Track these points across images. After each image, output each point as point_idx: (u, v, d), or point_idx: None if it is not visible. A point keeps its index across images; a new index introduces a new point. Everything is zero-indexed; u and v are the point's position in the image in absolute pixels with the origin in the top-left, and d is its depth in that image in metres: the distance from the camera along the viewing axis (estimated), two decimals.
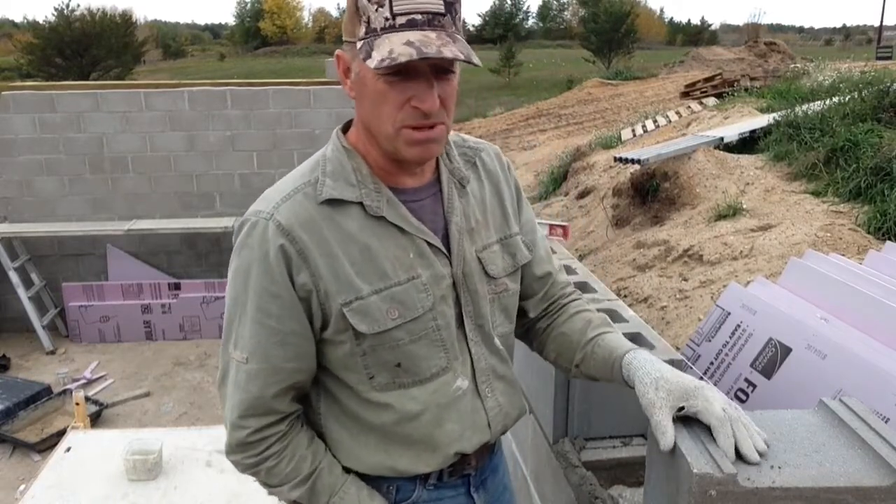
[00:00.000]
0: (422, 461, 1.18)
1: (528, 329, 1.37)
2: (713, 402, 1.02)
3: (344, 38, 1.06)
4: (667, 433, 1.01)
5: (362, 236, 1.08)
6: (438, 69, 1.02)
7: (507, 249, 1.24)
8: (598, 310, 2.18)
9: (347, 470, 1.18)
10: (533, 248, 1.30)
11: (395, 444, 1.16)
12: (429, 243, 1.13)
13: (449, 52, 0.97)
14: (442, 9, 1.00)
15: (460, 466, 1.23)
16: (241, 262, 1.09)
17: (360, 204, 1.09)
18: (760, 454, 0.99)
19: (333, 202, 1.08)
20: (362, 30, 1.01)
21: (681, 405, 1.03)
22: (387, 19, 0.98)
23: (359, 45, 1.01)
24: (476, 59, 1.02)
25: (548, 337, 1.33)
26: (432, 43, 0.97)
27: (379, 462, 1.17)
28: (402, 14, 0.98)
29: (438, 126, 1.05)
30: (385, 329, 1.09)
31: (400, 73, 0.99)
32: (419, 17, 0.99)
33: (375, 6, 0.99)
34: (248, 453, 1.12)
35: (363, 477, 1.19)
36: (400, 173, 1.13)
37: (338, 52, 1.08)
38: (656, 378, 1.07)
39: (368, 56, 0.99)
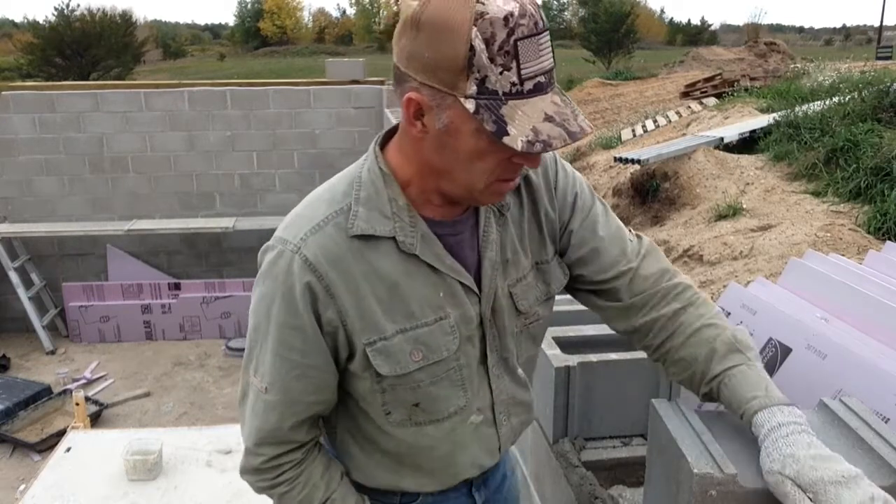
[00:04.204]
0: (428, 485, 1.19)
1: (645, 346, 1.20)
2: (843, 501, 0.86)
3: (423, 80, 0.91)
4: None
5: (391, 273, 1.02)
6: None
7: (542, 277, 1.17)
8: None
9: (360, 487, 1.19)
10: (599, 242, 1.17)
11: (405, 467, 1.17)
12: (461, 283, 1.06)
13: (587, 126, 0.92)
14: (553, 62, 0.93)
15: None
16: (264, 291, 1.04)
17: (393, 238, 1.02)
18: None
19: (365, 236, 1.01)
20: (472, 87, 0.88)
21: (808, 495, 0.88)
22: (513, 84, 0.88)
23: (467, 104, 0.89)
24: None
25: (666, 359, 1.16)
26: (568, 116, 0.91)
27: (388, 482, 1.18)
28: (529, 78, 0.89)
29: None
30: (406, 372, 1.05)
31: None
32: (543, 79, 0.90)
33: (500, 69, 0.87)
34: (261, 477, 1.12)
35: (371, 489, 1.20)
36: (445, 206, 1.05)
37: (410, 94, 0.92)
38: (785, 456, 0.92)
39: (499, 127, 0.88)
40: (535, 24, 0.89)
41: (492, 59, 0.87)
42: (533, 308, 1.16)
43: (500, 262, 1.11)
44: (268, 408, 1.07)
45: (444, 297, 1.05)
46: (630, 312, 1.17)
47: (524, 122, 0.88)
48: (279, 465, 1.10)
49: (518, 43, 0.87)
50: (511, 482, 1.40)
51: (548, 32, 0.91)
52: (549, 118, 0.89)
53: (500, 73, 0.88)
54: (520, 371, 1.20)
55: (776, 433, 0.96)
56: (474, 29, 0.87)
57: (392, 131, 1.09)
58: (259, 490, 1.14)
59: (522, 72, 0.88)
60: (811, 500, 0.88)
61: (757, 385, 1.04)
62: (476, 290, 1.08)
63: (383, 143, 1.08)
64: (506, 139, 0.88)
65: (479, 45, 0.87)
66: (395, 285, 1.02)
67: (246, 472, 1.12)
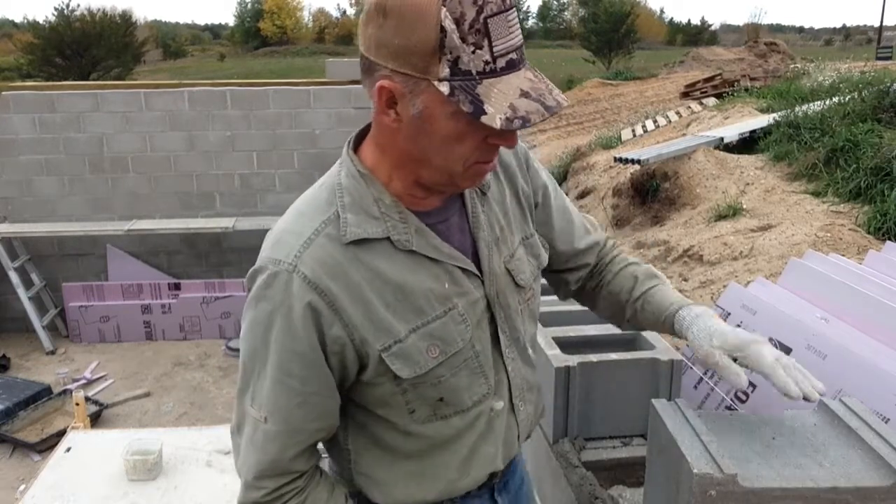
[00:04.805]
0: (455, 488, 1.15)
1: (576, 290, 1.37)
2: (764, 354, 1.07)
3: (394, 68, 0.90)
4: (740, 374, 1.06)
5: (393, 274, 1.00)
6: None
7: (531, 251, 1.19)
8: None
9: None
10: (570, 226, 1.29)
11: (428, 471, 1.13)
12: (462, 268, 1.06)
13: (563, 99, 0.92)
14: (522, 38, 0.92)
15: (488, 481, 1.20)
16: (259, 315, 0.99)
17: (388, 238, 1.00)
18: (816, 396, 1.04)
19: (359, 241, 0.99)
20: (445, 70, 0.87)
21: (735, 356, 1.08)
22: (487, 63, 0.87)
23: (441, 87, 0.88)
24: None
25: (598, 296, 1.35)
26: (543, 91, 0.91)
27: (410, 495, 1.14)
28: (501, 55, 0.88)
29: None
30: (427, 370, 1.03)
31: None
32: (515, 55, 0.90)
33: (472, 47, 0.86)
34: None
35: None
36: (428, 196, 1.04)
37: (382, 83, 0.91)
38: (711, 332, 1.12)
39: (476, 107, 0.87)
40: (503, 0, 0.88)
41: (463, 39, 0.86)
42: (529, 282, 1.17)
43: (492, 240, 1.11)
44: (267, 439, 1.02)
45: (448, 287, 1.04)
46: (582, 278, 1.35)
47: (500, 99, 0.87)
48: (281, 496, 1.05)
49: (488, 20, 0.86)
50: (527, 486, 1.39)
51: (515, 9, 0.91)
52: (524, 94, 0.89)
53: (473, 52, 0.87)
54: (530, 351, 1.21)
55: (698, 320, 1.15)
56: (443, 10, 0.85)
57: (363, 132, 1.07)
58: None
59: (495, 49, 0.87)
60: (736, 360, 1.08)
61: (672, 296, 1.24)
62: (476, 272, 1.08)
63: (356, 146, 1.07)
64: (484, 118, 0.87)
65: (449, 25, 0.85)
66: (400, 285, 1.00)
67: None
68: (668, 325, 1.20)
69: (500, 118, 0.87)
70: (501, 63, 0.88)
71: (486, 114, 0.87)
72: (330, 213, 1.00)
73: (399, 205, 1.02)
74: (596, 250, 1.33)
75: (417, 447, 1.11)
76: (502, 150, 1.14)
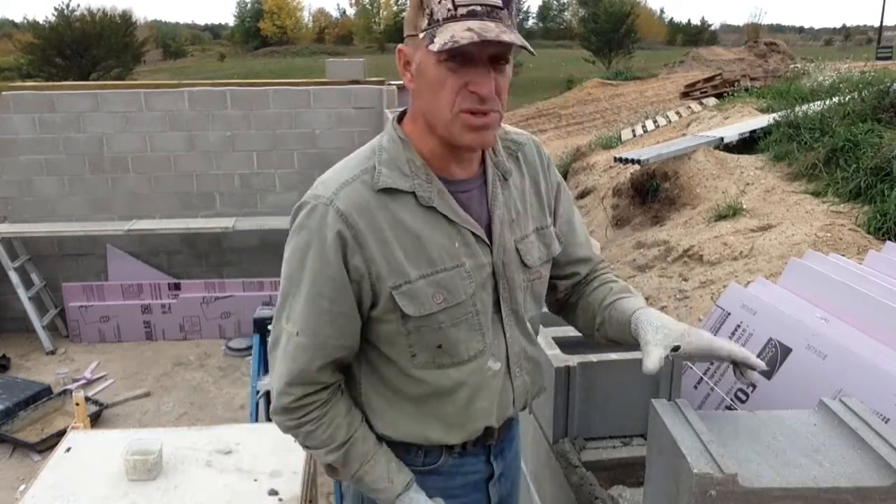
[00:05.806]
0: (452, 434, 1.28)
1: (560, 299, 1.47)
2: (705, 335, 1.18)
3: (406, 34, 1.13)
4: (652, 358, 1.13)
5: (414, 224, 1.15)
6: (494, 58, 1.09)
7: (543, 240, 1.32)
8: None
9: (381, 439, 1.27)
10: (571, 234, 1.40)
11: (428, 415, 1.26)
12: (473, 234, 1.20)
13: (507, 37, 1.04)
14: (500, 2, 1.07)
15: (484, 438, 1.32)
16: (298, 242, 1.16)
17: (413, 193, 1.16)
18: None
19: (389, 191, 1.15)
20: (425, 22, 1.08)
21: (676, 345, 1.15)
22: (449, 10, 1.06)
23: (421, 35, 1.08)
24: (530, 47, 1.09)
25: (576, 306, 1.45)
26: (491, 30, 1.05)
27: (412, 431, 1.27)
28: (463, 6, 1.06)
29: (492, 113, 1.12)
30: (430, 312, 1.17)
31: (459, 58, 1.07)
32: (479, 8, 1.06)
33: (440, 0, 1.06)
34: (289, 416, 1.22)
35: (396, 442, 1.28)
36: (452, 163, 1.20)
37: (399, 46, 1.14)
38: (657, 326, 1.21)
39: (431, 41, 1.06)
40: None
41: None
42: (536, 264, 1.30)
43: (507, 219, 1.25)
44: (299, 349, 1.18)
45: (459, 246, 1.18)
46: (569, 287, 1.44)
47: (447, 33, 1.05)
48: (306, 405, 1.20)
49: None
50: (518, 460, 1.51)
51: None
52: (470, 30, 1.04)
53: (439, 2, 1.06)
54: (529, 326, 1.33)
55: (649, 317, 1.22)
56: None
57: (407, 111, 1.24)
58: (286, 430, 1.25)
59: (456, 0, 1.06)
60: (678, 347, 1.15)
61: (637, 304, 1.31)
62: (487, 241, 1.22)
63: (400, 120, 1.24)
64: (430, 46, 1.06)
65: None
66: (417, 235, 1.15)
67: (276, 412, 1.23)
68: (628, 329, 1.26)
69: (440, 43, 1.04)
70: (462, 11, 1.06)
71: (433, 43, 1.05)
72: (368, 165, 1.18)
73: (427, 168, 1.18)
74: (590, 265, 1.44)
75: (418, 392, 1.24)
76: (527, 148, 1.34)
